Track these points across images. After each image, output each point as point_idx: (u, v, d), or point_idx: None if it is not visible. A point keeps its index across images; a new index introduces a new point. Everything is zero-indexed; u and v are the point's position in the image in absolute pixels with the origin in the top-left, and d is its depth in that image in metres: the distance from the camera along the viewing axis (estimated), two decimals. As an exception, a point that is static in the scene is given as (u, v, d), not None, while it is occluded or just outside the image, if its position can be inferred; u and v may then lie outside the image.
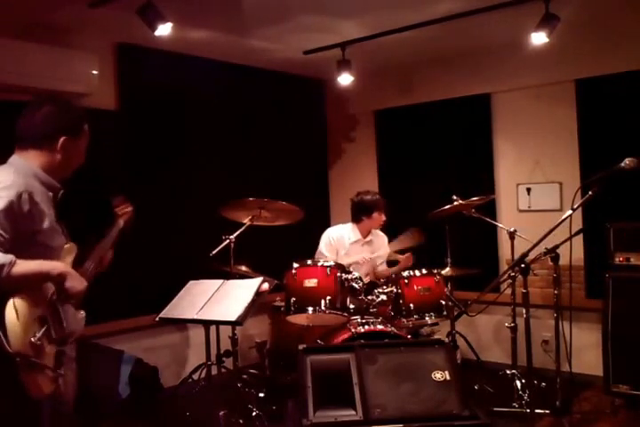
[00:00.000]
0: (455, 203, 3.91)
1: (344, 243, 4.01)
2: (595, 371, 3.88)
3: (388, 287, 3.52)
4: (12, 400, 1.75)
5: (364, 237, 4.06)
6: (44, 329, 1.78)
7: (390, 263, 4.24)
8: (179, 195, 4.45)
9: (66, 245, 2.01)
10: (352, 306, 3.38)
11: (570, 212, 2.70)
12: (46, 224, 1.87)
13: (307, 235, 4.18)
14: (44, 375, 1.77)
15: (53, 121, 1.98)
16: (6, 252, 1.70)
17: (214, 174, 4.62)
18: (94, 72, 3.81)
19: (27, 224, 1.81)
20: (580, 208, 2.84)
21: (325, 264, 3.40)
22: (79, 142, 2.02)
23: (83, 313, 2.06)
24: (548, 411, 3.41)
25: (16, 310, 1.69)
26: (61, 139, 1.95)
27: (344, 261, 3.72)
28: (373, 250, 4.10)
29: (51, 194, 1.97)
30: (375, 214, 3.98)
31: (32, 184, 1.88)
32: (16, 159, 1.95)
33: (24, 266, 1.72)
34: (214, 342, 3.43)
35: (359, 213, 4.02)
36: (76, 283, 1.85)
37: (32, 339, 1.72)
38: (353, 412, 2.19)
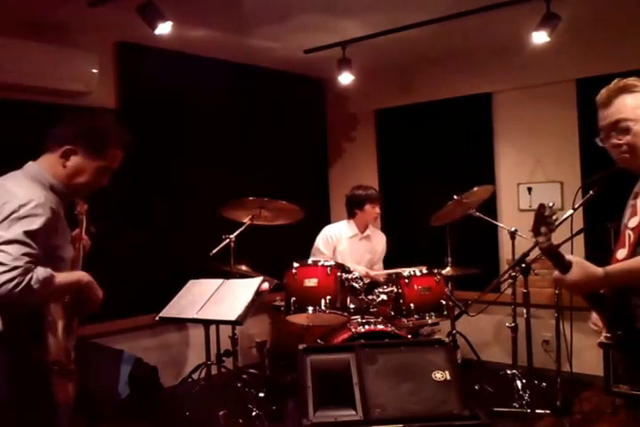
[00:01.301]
0: (455, 198, 3.86)
1: (342, 239, 4.01)
2: (595, 371, 3.87)
3: (388, 287, 3.51)
4: (43, 407, 1.78)
5: (362, 231, 4.06)
6: (70, 337, 1.84)
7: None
8: (179, 194, 4.45)
9: None
10: (352, 306, 3.37)
11: (571, 211, 2.68)
12: (65, 239, 1.89)
13: (307, 234, 4.18)
14: (73, 381, 1.84)
15: (65, 128, 1.94)
16: None
17: (214, 174, 4.62)
18: (94, 71, 3.81)
19: (53, 240, 1.81)
20: (581, 208, 2.83)
21: (326, 264, 3.40)
22: (92, 162, 1.93)
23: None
24: (548, 411, 3.41)
25: (54, 320, 1.74)
26: (64, 148, 1.90)
27: (344, 260, 3.73)
28: (372, 246, 4.10)
29: (62, 204, 1.95)
30: (367, 207, 3.97)
31: (54, 199, 1.86)
32: (33, 166, 1.91)
33: (60, 278, 1.76)
34: (214, 341, 3.43)
35: (352, 207, 4.04)
36: (99, 292, 1.90)
37: (65, 347, 1.79)
38: (353, 412, 2.18)
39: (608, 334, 1.81)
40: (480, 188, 3.93)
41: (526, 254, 2.91)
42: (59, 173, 1.91)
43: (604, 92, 1.93)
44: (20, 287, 1.61)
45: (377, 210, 4.02)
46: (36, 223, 1.72)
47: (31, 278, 1.63)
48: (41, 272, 1.67)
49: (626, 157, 1.89)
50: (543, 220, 1.64)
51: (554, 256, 1.69)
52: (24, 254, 1.66)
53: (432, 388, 2.24)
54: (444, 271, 3.84)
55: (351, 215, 4.06)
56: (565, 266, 1.70)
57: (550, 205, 1.65)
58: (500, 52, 4.56)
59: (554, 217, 1.65)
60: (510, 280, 3.63)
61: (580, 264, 1.70)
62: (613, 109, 1.89)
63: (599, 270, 1.70)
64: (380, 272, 3.97)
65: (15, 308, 1.68)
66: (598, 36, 4.17)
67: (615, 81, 1.93)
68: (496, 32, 4.24)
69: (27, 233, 1.68)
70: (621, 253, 1.86)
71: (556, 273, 1.71)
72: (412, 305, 3.40)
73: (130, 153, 2.07)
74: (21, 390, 1.74)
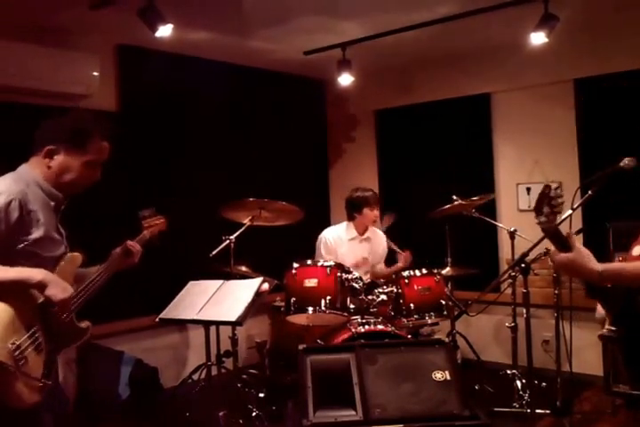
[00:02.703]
0: (455, 202, 3.91)
1: (342, 241, 4.01)
2: (595, 371, 3.87)
3: (388, 287, 3.52)
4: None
5: (361, 234, 4.06)
6: (25, 337, 1.75)
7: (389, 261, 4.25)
8: (179, 195, 4.45)
9: (68, 255, 1.99)
10: (352, 306, 3.38)
11: (569, 211, 2.69)
12: (39, 233, 1.85)
13: (307, 235, 4.18)
14: (24, 384, 1.71)
15: (45, 129, 1.96)
16: None
17: (214, 175, 4.63)
18: (95, 73, 3.82)
19: (14, 232, 1.79)
20: (580, 208, 2.83)
21: (325, 264, 3.40)
22: (76, 159, 1.94)
23: (86, 324, 2.03)
24: (548, 411, 3.41)
25: None
26: (45, 148, 1.92)
27: (345, 262, 3.73)
28: (372, 247, 4.11)
29: (53, 203, 1.95)
30: (365, 210, 3.96)
31: (32, 192, 1.87)
32: (23, 167, 1.96)
33: (1, 273, 1.71)
34: (214, 342, 3.44)
35: (351, 210, 4.03)
36: (58, 291, 1.79)
37: (9, 346, 1.68)
38: (353, 412, 2.19)
39: (612, 328, 1.83)
40: (480, 197, 3.96)
41: (526, 254, 2.92)
42: (46, 174, 1.93)
43: None
44: None
45: (375, 212, 4.01)
46: None
47: None
48: None
49: None
50: (547, 200, 1.65)
51: (554, 237, 1.71)
52: None
53: (432, 388, 2.24)
54: (443, 271, 3.85)
55: (350, 218, 4.06)
56: (565, 246, 1.71)
57: (555, 186, 1.67)
58: (498, 53, 4.57)
59: (559, 199, 1.67)
60: (510, 280, 3.63)
61: (580, 253, 1.71)
62: None
63: (596, 267, 1.72)
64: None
65: None
66: (596, 37, 4.18)
67: None
68: (495, 33, 4.25)
69: None
70: (637, 250, 1.88)
71: (554, 249, 1.73)
72: (411, 305, 3.40)
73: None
74: None
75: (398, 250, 4.08)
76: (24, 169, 1.95)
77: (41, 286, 1.77)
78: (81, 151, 1.95)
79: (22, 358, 1.72)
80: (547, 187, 1.67)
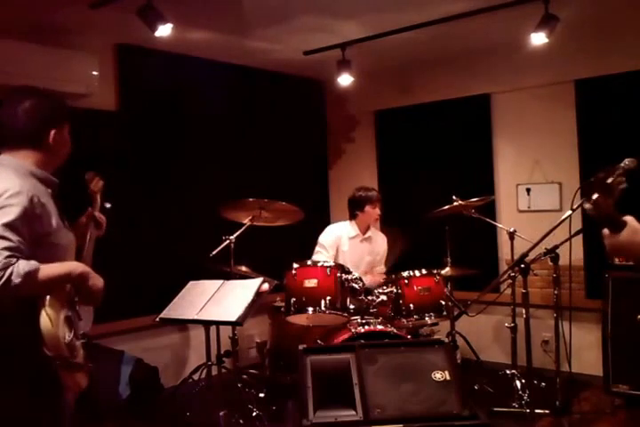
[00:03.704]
0: (455, 203, 3.91)
1: (344, 239, 4.02)
2: (594, 371, 3.88)
3: (388, 287, 3.52)
4: (54, 403, 1.79)
5: (363, 233, 4.07)
6: (72, 329, 1.82)
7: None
8: (179, 195, 4.46)
9: None
10: (352, 306, 3.38)
11: (569, 212, 2.70)
12: (54, 224, 1.85)
13: (307, 235, 4.18)
14: (82, 372, 1.85)
15: (39, 115, 1.90)
16: (26, 258, 1.68)
17: (214, 175, 4.63)
18: (94, 73, 3.82)
19: (39, 228, 1.79)
20: (580, 208, 2.84)
21: (325, 264, 3.40)
22: (65, 131, 1.97)
23: (91, 307, 2.06)
24: (547, 411, 3.41)
25: (48, 315, 1.70)
26: (52, 132, 1.90)
27: (346, 261, 3.73)
28: (373, 247, 4.11)
29: (49, 190, 1.93)
30: (368, 208, 3.98)
31: (35, 185, 1.85)
32: (9, 159, 1.87)
33: (48, 270, 1.71)
34: (214, 342, 3.43)
35: (353, 208, 4.04)
36: (97, 281, 1.86)
37: (66, 340, 1.76)
38: (353, 412, 2.19)
39: None
40: (480, 198, 3.96)
41: (525, 255, 2.93)
42: (38, 160, 1.89)
43: None
44: (0, 283, 1.58)
45: (377, 211, 4.02)
46: (11, 214, 1.68)
47: (12, 273, 1.60)
48: (23, 266, 1.63)
49: None
50: (603, 187, 1.59)
51: (603, 221, 1.61)
52: (3, 249, 1.62)
53: (432, 388, 2.25)
54: (443, 272, 3.84)
55: (352, 217, 4.07)
56: (618, 225, 1.60)
57: (622, 169, 1.62)
58: (498, 54, 4.58)
59: (621, 185, 1.60)
60: (509, 280, 3.63)
61: (635, 228, 1.59)
62: None
63: None
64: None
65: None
66: (597, 37, 4.18)
67: None
68: (495, 33, 4.25)
69: (4, 226, 1.65)
70: None
71: (606, 230, 1.62)
72: (411, 305, 3.40)
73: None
74: (30, 391, 1.74)
75: None
76: (12, 161, 1.86)
77: (82, 277, 1.82)
78: (64, 125, 1.97)
79: (75, 348, 1.82)
80: (610, 173, 1.59)
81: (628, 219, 1.62)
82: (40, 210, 1.79)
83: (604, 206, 1.60)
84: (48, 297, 1.73)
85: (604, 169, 2.30)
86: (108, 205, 2.33)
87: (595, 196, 1.58)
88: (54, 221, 1.85)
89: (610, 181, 1.60)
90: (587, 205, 1.60)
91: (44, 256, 1.76)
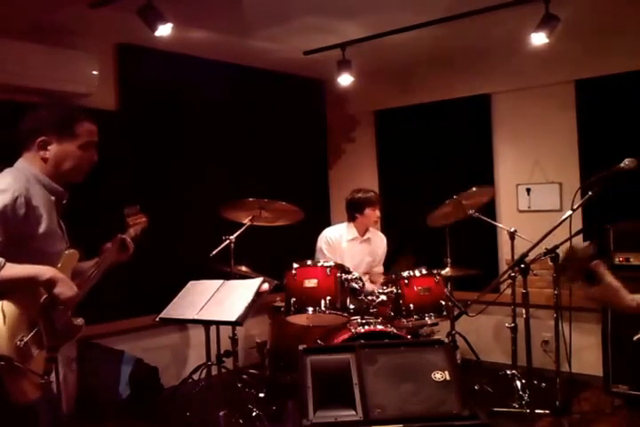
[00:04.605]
0: (455, 197, 3.87)
1: (341, 241, 4.01)
2: (594, 371, 3.88)
3: (388, 287, 3.52)
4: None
5: (362, 235, 4.06)
6: (32, 334, 1.76)
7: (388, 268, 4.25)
8: (179, 195, 4.45)
9: (66, 252, 1.99)
10: (352, 306, 3.37)
11: (570, 212, 2.69)
12: (42, 229, 1.84)
13: (307, 235, 4.18)
14: (29, 381, 1.73)
15: (33, 122, 1.95)
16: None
17: (214, 174, 4.63)
18: (95, 72, 3.82)
19: (21, 228, 1.79)
20: (580, 208, 2.84)
21: (325, 264, 3.40)
22: (68, 144, 1.94)
23: (81, 320, 2.03)
24: (547, 411, 3.41)
25: (3, 313, 1.68)
26: (38, 140, 1.91)
27: (345, 262, 3.73)
28: (372, 249, 4.10)
29: (53, 198, 1.94)
30: (367, 211, 3.96)
31: (32, 188, 1.86)
32: (20, 163, 1.95)
33: (12, 270, 1.71)
34: (214, 342, 3.43)
35: (352, 210, 4.03)
36: (66, 289, 1.81)
37: (17, 342, 1.70)
38: (353, 412, 2.19)
39: None
40: (479, 189, 3.95)
41: (525, 255, 2.92)
42: (43, 168, 1.92)
43: None
44: None
45: (377, 213, 4.01)
46: None
47: None
48: None
49: None
50: (574, 263, 1.77)
51: (583, 281, 1.80)
52: None
53: (432, 388, 2.25)
54: (443, 272, 3.84)
55: (351, 219, 4.06)
56: (595, 282, 1.78)
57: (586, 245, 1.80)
58: (499, 54, 4.57)
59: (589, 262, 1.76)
60: (510, 281, 3.64)
61: (611, 288, 1.77)
62: None
63: (630, 303, 1.75)
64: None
65: None
66: (597, 38, 4.18)
67: None
68: (495, 33, 4.25)
69: None
70: None
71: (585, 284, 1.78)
72: (411, 305, 3.40)
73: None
74: None
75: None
76: (22, 165, 1.93)
77: (50, 283, 1.79)
78: (72, 136, 1.95)
79: (28, 355, 1.75)
80: (574, 251, 1.78)
81: (610, 280, 1.79)
82: (26, 211, 1.79)
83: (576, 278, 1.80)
84: (10, 295, 1.71)
85: (604, 170, 2.30)
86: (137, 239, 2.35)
87: (569, 272, 1.81)
88: (44, 226, 1.85)
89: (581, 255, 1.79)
90: (564, 278, 1.77)
91: (27, 260, 1.76)
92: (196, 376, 3.79)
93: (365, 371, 2.28)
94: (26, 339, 1.74)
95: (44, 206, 1.87)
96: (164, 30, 3.34)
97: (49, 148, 1.92)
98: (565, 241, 2.86)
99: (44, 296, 1.81)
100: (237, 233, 3.63)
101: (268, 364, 4.09)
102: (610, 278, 1.76)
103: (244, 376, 3.97)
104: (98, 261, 2.16)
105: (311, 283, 3.31)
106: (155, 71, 4.28)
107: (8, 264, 1.70)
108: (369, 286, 3.78)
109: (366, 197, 3.97)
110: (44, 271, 1.79)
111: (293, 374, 3.48)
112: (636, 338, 1.91)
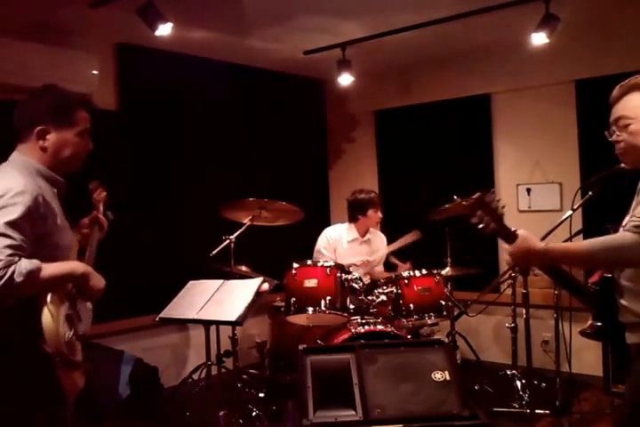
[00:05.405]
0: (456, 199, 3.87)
1: (342, 242, 4.01)
2: (594, 371, 3.88)
3: (388, 288, 3.52)
4: (52, 400, 1.80)
5: (362, 236, 4.07)
6: (73, 327, 1.83)
7: (388, 267, 4.25)
8: (179, 195, 4.45)
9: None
10: (352, 306, 3.38)
11: (570, 212, 2.70)
12: (58, 224, 1.85)
13: (307, 235, 4.18)
14: (80, 371, 1.86)
15: (28, 111, 1.92)
16: (28, 257, 1.69)
17: (214, 174, 4.63)
18: (95, 72, 3.82)
19: (42, 227, 1.79)
20: (580, 208, 2.84)
21: (325, 264, 3.40)
22: (68, 133, 1.92)
23: (90, 305, 2.06)
24: (547, 411, 3.41)
25: (50, 312, 1.71)
26: (36, 129, 1.88)
27: (343, 262, 3.73)
28: (372, 249, 4.10)
29: (55, 190, 1.93)
30: (370, 212, 3.98)
31: (39, 184, 1.85)
32: (15, 156, 1.90)
33: (50, 270, 1.72)
34: (214, 342, 3.43)
35: (354, 211, 4.03)
36: (97, 281, 1.87)
37: (66, 338, 1.77)
38: (353, 412, 2.18)
39: (597, 323, 1.94)
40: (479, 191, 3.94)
41: (525, 255, 2.92)
42: (41, 157, 1.90)
43: (617, 87, 2.01)
44: (2, 281, 1.58)
45: (379, 214, 4.03)
46: (15, 213, 1.68)
47: (14, 272, 1.60)
48: (25, 265, 1.63)
49: (620, 153, 1.96)
50: (482, 206, 1.88)
51: (499, 235, 1.93)
52: (5, 247, 1.62)
53: (432, 388, 2.24)
54: (443, 272, 3.84)
55: (353, 220, 4.06)
56: (510, 237, 1.91)
57: (492, 190, 1.93)
58: (499, 54, 4.58)
59: (498, 202, 1.92)
60: (510, 281, 3.64)
61: (524, 237, 1.90)
62: (619, 106, 1.95)
63: (539, 245, 1.85)
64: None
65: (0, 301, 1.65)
66: (597, 37, 4.18)
67: (630, 78, 1.99)
68: (495, 33, 4.25)
69: (7, 224, 1.65)
70: None
71: (506, 245, 1.89)
72: (411, 305, 3.40)
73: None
74: (28, 388, 1.74)
75: (399, 263, 4.10)
76: (20, 158, 1.89)
77: (84, 277, 1.83)
78: (70, 124, 1.93)
79: (75, 348, 1.84)
80: (482, 194, 1.86)
81: (520, 231, 1.91)
82: (44, 209, 1.79)
83: (491, 225, 1.92)
84: (50, 294, 1.74)
85: (602, 170, 2.31)
86: (110, 216, 2.34)
87: (479, 213, 1.89)
88: (58, 220, 1.86)
89: (488, 199, 1.89)
90: (480, 225, 1.91)
91: (45, 256, 1.76)
92: (195, 376, 3.79)
93: (365, 371, 2.28)
94: (71, 333, 1.80)
95: (53, 201, 1.87)
96: (164, 30, 3.34)
97: (47, 137, 1.90)
98: (565, 241, 2.86)
99: (71, 288, 1.85)
100: (237, 233, 3.63)
101: (268, 364, 4.09)
102: (522, 231, 1.90)
103: (244, 376, 3.97)
104: (89, 240, 2.17)
105: (311, 283, 3.31)
106: (155, 71, 4.28)
107: (43, 265, 1.70)
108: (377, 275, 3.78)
109: (369, 198, 3.99)
110: (76, 266, 1.84)
111: (293, 374, 3.47)
112: (580, 331, 2.03)
